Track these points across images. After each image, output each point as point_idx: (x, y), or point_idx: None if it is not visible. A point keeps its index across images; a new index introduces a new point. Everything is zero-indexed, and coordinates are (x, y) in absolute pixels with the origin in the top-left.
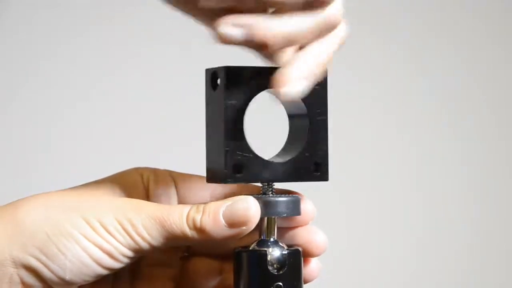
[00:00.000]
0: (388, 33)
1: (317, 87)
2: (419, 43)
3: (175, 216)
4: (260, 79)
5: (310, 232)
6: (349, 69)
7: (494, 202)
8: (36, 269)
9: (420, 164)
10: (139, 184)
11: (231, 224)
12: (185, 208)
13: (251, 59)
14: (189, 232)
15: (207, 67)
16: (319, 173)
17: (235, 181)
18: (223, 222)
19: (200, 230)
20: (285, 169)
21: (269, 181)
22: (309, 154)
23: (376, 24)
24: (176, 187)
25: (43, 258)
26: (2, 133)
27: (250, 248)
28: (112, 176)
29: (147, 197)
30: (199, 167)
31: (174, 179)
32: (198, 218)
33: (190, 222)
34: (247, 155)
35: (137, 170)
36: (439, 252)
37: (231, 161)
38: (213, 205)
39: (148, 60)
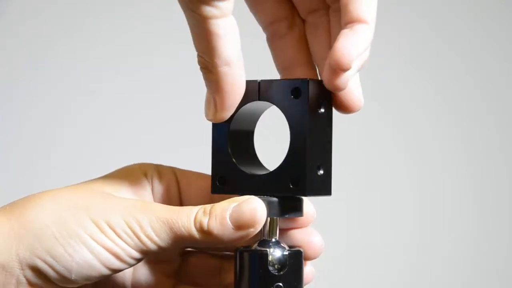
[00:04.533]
0: (387, 33)
1: (296, 99)
2: (419, 43)
3: (183, 218)
4: (247, 92)
5: (307, 234)
6: None
7: (494, 203)
8: (42, 270)
9: (419, 166)
10: (144, 181)
11: (239, 227)
12: (193, 210)
13: (251, 64)
14: (197, 235)
15: None
16: (297, 188)
17: (220, 192)
18: (231, 225)
19: (207, 233)
20: (266, 183)
21: (251, 194)
22: (286, 168)
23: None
24: (178, 184)
25: (50, 260)
26: (3, 133)
27: (252, 248)
28: (117, 173)
29: (152, 194)
30: (200, 170)
31: (176, 176)
32: (205, 222)
33: (198, 225)
34: (230, 168)
35: (140, 167)
36: (439, 255)
37: (217, 174)
38: (219, 208)
39: (149, 60)
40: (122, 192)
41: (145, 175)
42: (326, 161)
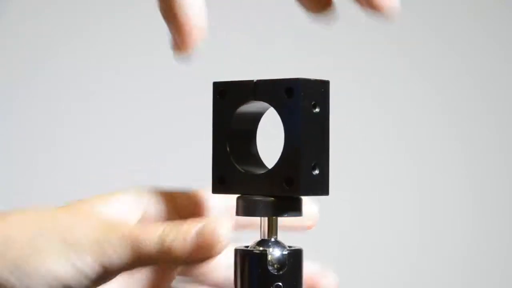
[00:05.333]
0: (388, 33)
1: (289, 98)
2: (419, 43)
3: (147, 235)
4: (244, 92)
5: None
6: (349, 69)
7: (494, 203)
8: (4, 283)
9: (419, 166)
10: (138, 204)
11: (200, 246)
12: (159, 227)
13: (249, 65)
14: (156, 252)
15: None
16: (291, 187)
17: (220, 192)
18: (192, 244)
19: (168, 249)
20: (263, 182)
21: (249, 193)
22: (281, 168)
23: (375, 24)
24: (176, 207)
25: (13, 274)
26: (3, 133)
27: (251, 248)
28: (111, 193)
29: (143, 217)
30: (200, 170)
31: (176, 202)
32: (168, 239)
33: (160, 241)
34: (229, 168)
35: (137, 189)
36: (439, 255)
37: (217, 174)
38: (185, 226)
39: (149, 60)
40: (109, 212)
41: (140, 199)
42: (322, 160)
